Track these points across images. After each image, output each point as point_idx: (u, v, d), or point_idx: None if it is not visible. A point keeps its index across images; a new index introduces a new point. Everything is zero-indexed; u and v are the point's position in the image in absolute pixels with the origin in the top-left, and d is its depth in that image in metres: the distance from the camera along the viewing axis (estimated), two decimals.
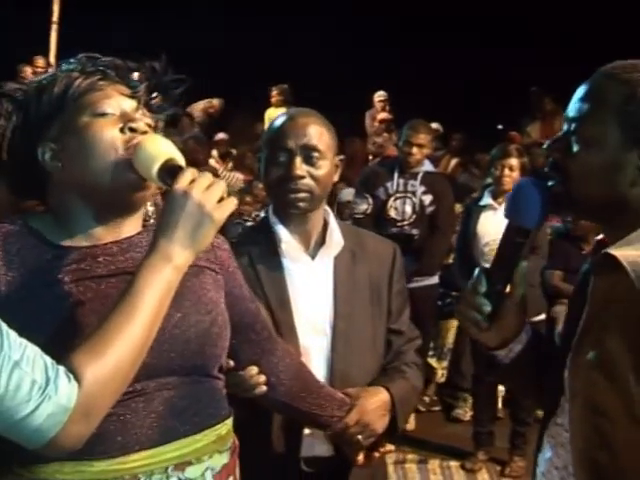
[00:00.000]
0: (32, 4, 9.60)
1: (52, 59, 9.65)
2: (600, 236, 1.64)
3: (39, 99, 1.58)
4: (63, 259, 1.55)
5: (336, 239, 2.27)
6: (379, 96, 10.36)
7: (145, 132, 1.57)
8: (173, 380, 1.57)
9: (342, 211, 5.81)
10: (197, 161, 6.06)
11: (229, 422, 1.69)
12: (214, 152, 8.83)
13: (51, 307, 1.49)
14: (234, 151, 9.26)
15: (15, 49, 9.14)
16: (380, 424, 2.19)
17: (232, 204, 1.46)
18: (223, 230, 1.55)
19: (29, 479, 1.48)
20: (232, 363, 1.87)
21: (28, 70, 9.45)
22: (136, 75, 1.63)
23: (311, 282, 2.25)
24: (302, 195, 2.19)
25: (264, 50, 11.05)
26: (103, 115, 1.55)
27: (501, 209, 4.22)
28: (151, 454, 1.51)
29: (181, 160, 1.51)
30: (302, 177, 2.17)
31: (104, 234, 1.59)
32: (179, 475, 1.54)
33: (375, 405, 2.18)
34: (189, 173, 1.45)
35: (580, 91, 1.55)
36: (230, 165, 9.01)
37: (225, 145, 9.39)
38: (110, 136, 1.53)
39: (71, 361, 1.35)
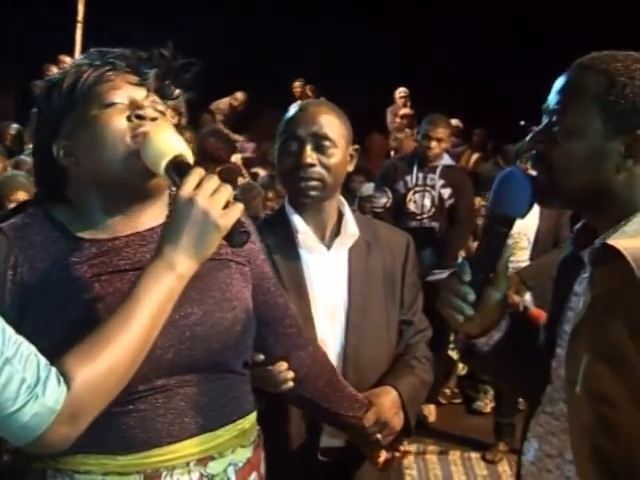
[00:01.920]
0: (59, 4, 9.69)
1: (77, 58, 9.73)
2: (579, 224, 1.66)
3: (49, 97, 1.59)
4: (85, 252, 1.55)
5: (351, 230, 2.28)
6: (400, 92, 10.35)
7: (154, 119, 1.56)
8: (194, 377, 1.57)
9: (363, 206, 5.82)
10: (219, 158, 6.07)
11: (253, 416, 1.70)
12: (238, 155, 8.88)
13: (72, 300, 1.50)
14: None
15: (43, 49, 9.23)
16: (397, 421, 2.20)
17: (238, 210, 1.43)
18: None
19: (56, 468, 1.52)
20: (262, 357, 1.88)
21: (54, 70, 9.55)
22: (145, 63, 1.62)
23: (326, 272, 2.26)
24: (313, 183, 2.20)
25: (288, 47, 11.06)
26: (111, 105, 1.54)
27: None
28: (172, 449, 1.53)
29: (189, 156, 1.50)
30: (312, 165, 2.18)
31: (124, 225, 1.59)
32: (201, 470, 1.55)
33: (389, 403, 2.19)
34: (195, 176, 1.43)
35: (559, 83, 1.56)
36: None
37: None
38: (117, 125, 1.53)
39: (63, 363, 1.35)
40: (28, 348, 1.34)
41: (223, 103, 10.49)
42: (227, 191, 1.43)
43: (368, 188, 5.96)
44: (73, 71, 1.59)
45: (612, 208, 1.52)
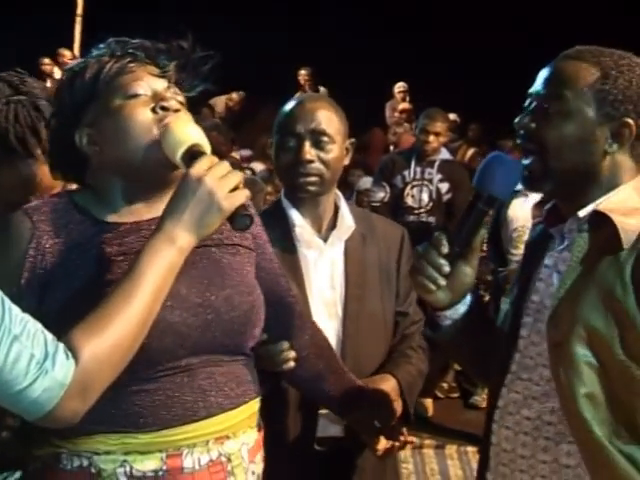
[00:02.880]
0: None
1: (77, 52, 9.74)
2: (549, 204, 1.78)
3: (72, 86, 1.62)
4: (107, 234, 1.58)
5: (347, 222, 2.30)
6: (399, 87, 10.39)
7: (177, 110, 1.59)
8: (214, 357, 1.61)
9: (361, 200, 5.83)
10: (220, 152, 6.07)
11: (259, 400, 1.73)
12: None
13: (96, 281, 1.52)
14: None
15: (39, 44, 9.23)
16: (396, 408, 2.22)
17: (244, 195, 1.45)
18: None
19: (72, 451, 1.52)
20: (265, 336, 1.88)
21: (49, 63, 9.57)
22: (164, 55, 1.65)
23: (324, 265, 2.28)
24: (312, 179, 2.22)
25: (286, 42, 11.08)
26: (135, 96, 1.57)
27: (532, 196, 4.26)
28: (194, 428, 1.55)
29: (206, 146, 1.52)
30: (311, 161, 2.21)
31: (145, 211, 1.62)
32: (219, 449, 1.59)
33: (388, 390, 2.21)
34: (207, 160, 1.46)
35: (548, 71, 1.69)
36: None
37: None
38: (143, 116, 1.56)
39: (70, 338, 1.37)
40: (34, 325, 1.36)
41: (219, 103, 10.49)
42: (237, 177, 1.46)
43: (365, 182, 5.97)
44: (95, 61, 1.62)
45: (592, 190, 1.65)
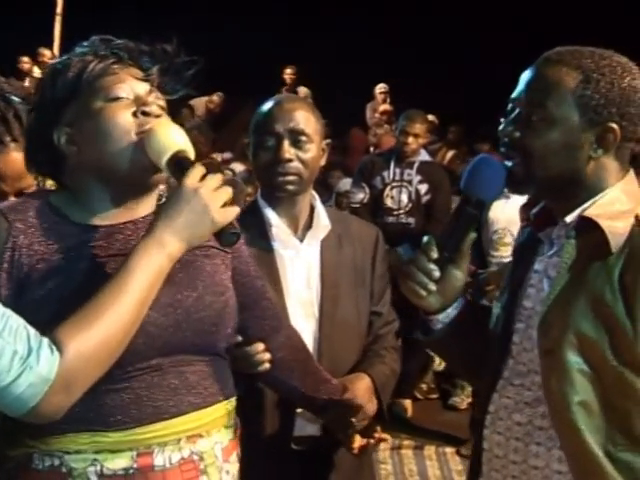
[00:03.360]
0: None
1: (56, 51, 9.70)
2: (537, 208, 1.77)
3: (54, 83, 1.60)
4: (82, 236, 1.58)
5: (323, 222, 2.31)
6: (380, 88, 10.38)
7: (158, 115, 1.59)
8: (186, 357, 1.61)
9: (340, 201, 5.84)
10: (199, 152, 6.05)
11: (234, 400, 1.73)
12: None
13: (69, 281, 1.53)
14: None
15: (19, 43, 9.19)
16: (371, 407, 2.23)
17: (234, 212, 1.50)
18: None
19: (43, 450, 1.52)
20: (240, 338, 1.89)
21: (28, 62, 9.53)
22: (148, 57, 1.65)
23: (300, 265, 2.28)
24: (290, 178, 2.22)
25: (267, 43, 11.07)
26: (117, 99, 1.57)
27: (513, 198, 4.24)
28: (164, 425, 1.56)
29: (191, 152, 1.54)
30: (290, 160, 2.21)
31: (121, 214, 1.62)
32: (191, 447, 1.59)
33: (363, 388, 2.23)
34: (199, 170, 1.49)
35: (529, 76, 1.66)
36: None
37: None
38: (123, 120, 1.55)
39: (56, 333, 1.38)
40: (17, 320, 1.36)
41: (199, 105, 10.47)
42: (228, 192, 1.49)
43: (345, 184, 5.97)
44: (78, 60, 1.61)
45: (579, 194, 1.64)
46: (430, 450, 5.15)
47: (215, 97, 10.56)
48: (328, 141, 2.36)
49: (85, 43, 1.65)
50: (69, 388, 1.38)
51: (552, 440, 1.64)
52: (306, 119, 2.26)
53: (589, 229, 1.58)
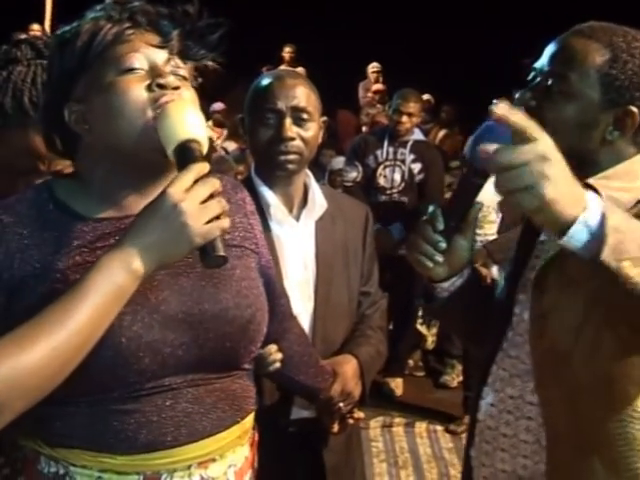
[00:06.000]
0: None
1: (47, 28, 9.61)
2: None
3: (62, 54, 1.45)
4: (91, 234, 1.43)
5: (319, 201, 2.29)
6: (373, 67, 10.32)
7: (176, 87, 1.41)
8: (202, 376, 1.47)
9: (334, 179, 5.84)
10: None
11: (252, 414, 1.61)
12: (209, 122, 8.83)
13: (67, 283, 1.36)
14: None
15: (9, 19, 9.11)
16: (357, 391, 2.25)
17: (218, 229, 1.30)
18: None
19: (51, 456, 1.43)
20: None
21: (39, 30, 9.41)
22: (167, 21, 1.46)
23: (297, 245, 2.26)
24: (292, 157, 2.19)
25: (258, 21, 11.02)
26: (130, 71, 1.40)
27: None
28: (175, 452, 1.43)
29: (203, 142, 1.36)
30: (293, 139, 2.18)
31: (136, 203, 1.44)
32: (202, 473, 1.46)
33: (351, 373, 2.23)
34: (191, 175, 1.30)
35: (557, 47, 1.62)
36: (224, 134, 9.03)
37: (222, 114, 9.39)
38: (137, 95, 1.38)
39: None
40: None
41: None
42: (218, 205, 1.30)
43: (338, 162, 5.97)
44: (88, 26, 1.44)
45: (587, 175, 1.57)
46: (421, 428, 5.18)
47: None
48: (325, 119, 2.34)
49: (98, 7, 1.47)
50: None
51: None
52: (307, 96, 2.23)
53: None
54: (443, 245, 1.64)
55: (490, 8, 11.56)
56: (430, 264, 1.67)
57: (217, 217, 1.30)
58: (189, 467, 1.45)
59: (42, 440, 1.43)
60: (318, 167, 5.97)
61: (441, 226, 1.64)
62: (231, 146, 8.26)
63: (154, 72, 1.42)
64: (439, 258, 1.66)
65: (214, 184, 1.31)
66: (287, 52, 10.56)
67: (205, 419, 1.46)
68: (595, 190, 1.51)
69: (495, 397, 1.72)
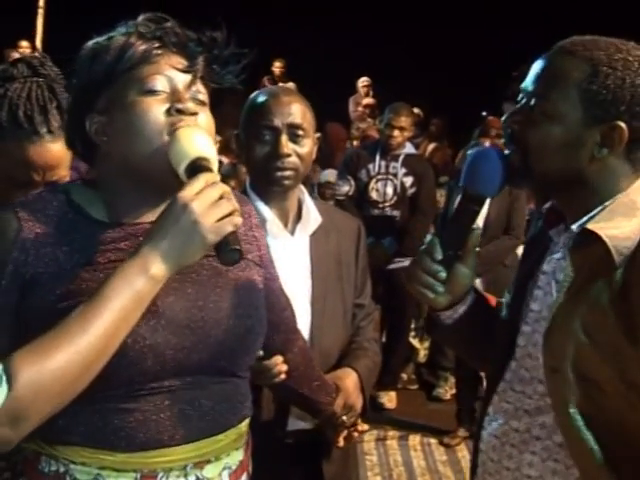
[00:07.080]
0: None
1: (38, 44, 9.64)
2: (548, 204, 1.70)
3: (91, 65, 1.50)
4: (104, 236, 1.49)
5: (313, 215, 2.31)
6: (363, 82, 10.37)
7: (194, 113, 1.47)
8: (200, 379, 1.52)
9: (323, 192, 5.83)
10: None
11: (248, 419, 1.65)
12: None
13: (89, 288, 1.41)
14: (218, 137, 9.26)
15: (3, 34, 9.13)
16: (359, 404, 2.27)
17: (231, 225, 1.34)
18: None
19: (52, 455, 1.47)
20: (262, 353, 1.84)
21: (15, 55, 9.42)
22: (195, 45, 1.51)
23: (292, 259, 2.26)
24: (288, 173, 2.21)
25: (249, 36, 11.06)
26: (152, 93, 1.45)
27: None
28: (172, 451, 1.48)
29: (213, 159, 1.41)
30: (289, 155, 2.19)
31: (148, 213, 1.51)
32: (197, 473, 1.50)
33: (352, 386, 2.25)
34: (201, 180, 1.35)
35: (539, 65, 1.57)
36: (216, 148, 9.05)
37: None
38: (155, 118, 1.44)
39: (9, 361, 1.28)
40: None
41: None
42: (228, 205, 1.34)
43: (326, 174, 5.96)
44: (119, 41, 1.49)
45: (582, 195, 1.54)
46: (415, 441, 5.18)
47: None
48: (318, 135, 2.35)
49: (130, 22, 1.52)
50: (17, 422, 1.28)
51: (548, 451, 1.60)
52: (303, 113, 2.25)
53: (591, 241, 1.48)
54: (443, 275, 1.62)
55: (478, 21, 11.63)
56: (431, 294, 1.64)
57: (228, 215, 1.34)
58: (185, 467, 1.49)
59: (42, 438, 1.46)
60: (304, 181, 5.97)
61: (439, 255, 1.61)
62: (222, 161, 8.25)
63: (174, 96, 1.47)
64: (440, 288, 1.63)
65: (223, 187, 1.36)
66: (277, 67, 10.60)
67: (202, 421, 1.51)
68: (595, 235, 1.47)
69: (498, 429, 1.68)
